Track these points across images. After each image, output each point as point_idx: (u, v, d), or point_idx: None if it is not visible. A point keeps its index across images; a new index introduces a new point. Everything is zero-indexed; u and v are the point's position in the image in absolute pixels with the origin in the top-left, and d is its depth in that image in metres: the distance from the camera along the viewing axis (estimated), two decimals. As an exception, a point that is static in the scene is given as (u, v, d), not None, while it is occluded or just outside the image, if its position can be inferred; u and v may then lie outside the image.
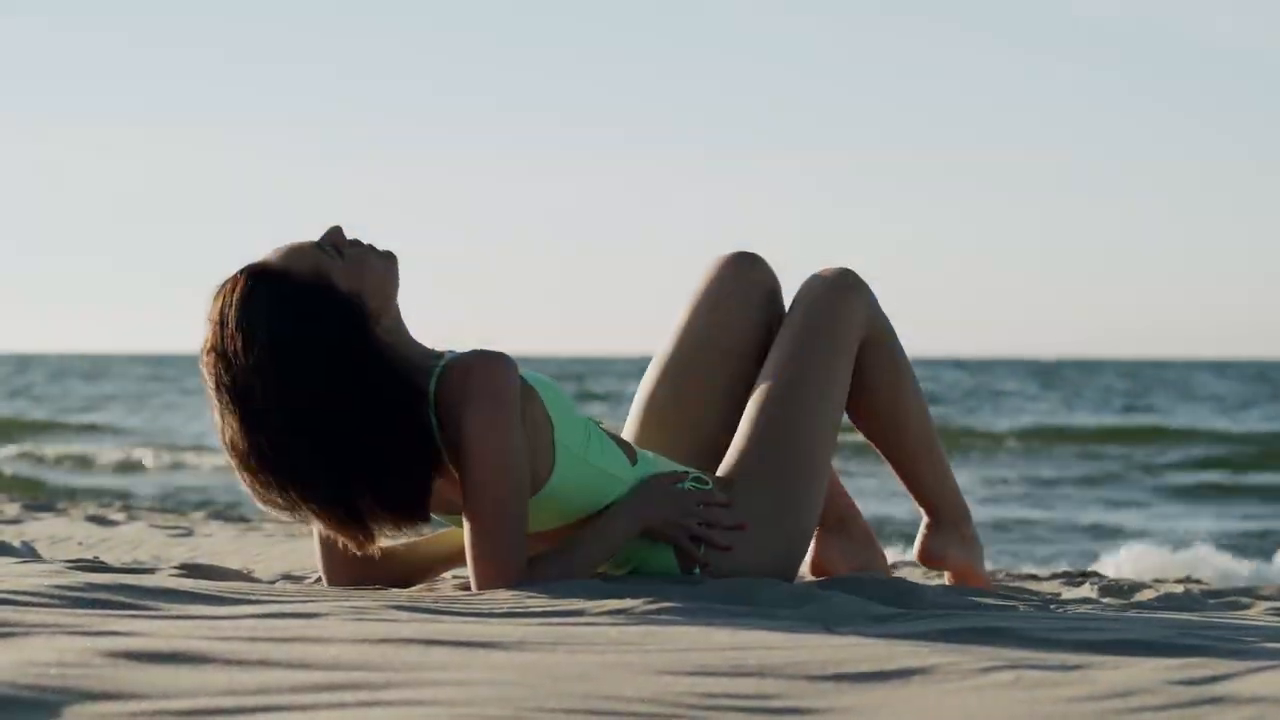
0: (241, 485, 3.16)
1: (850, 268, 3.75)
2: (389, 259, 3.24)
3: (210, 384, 3.11)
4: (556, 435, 3.29)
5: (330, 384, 3.08)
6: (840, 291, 3.70)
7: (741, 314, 3.73)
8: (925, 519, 3.91)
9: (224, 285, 3.14)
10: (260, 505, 3.16)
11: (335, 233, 3.21)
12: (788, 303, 3.77)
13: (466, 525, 3.18)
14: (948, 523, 3.88)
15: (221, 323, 3.11)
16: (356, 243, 3.23)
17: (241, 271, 3.15)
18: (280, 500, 3.12)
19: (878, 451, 3.89)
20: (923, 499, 3.88)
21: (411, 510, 3.16)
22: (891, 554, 5.78)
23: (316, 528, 3.37)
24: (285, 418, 3.07)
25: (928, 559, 3.89)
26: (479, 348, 3.21)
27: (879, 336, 3.74)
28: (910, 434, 3.81)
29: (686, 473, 3.49)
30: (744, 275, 3.75)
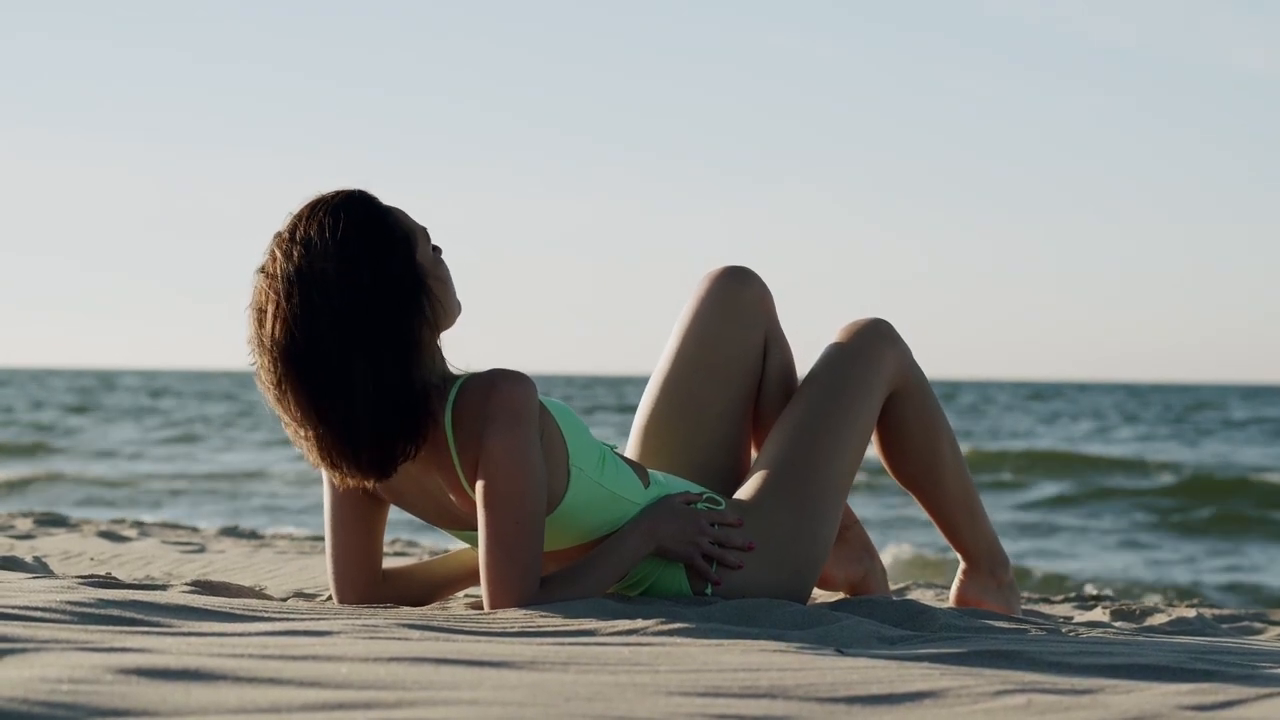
0: (258, 376, 3.18)
1: (885, 319, 3.78)
2: (458, 303, 3.28)
3: (270, 266, 3.15)
4: (571, 457, 3.30)
5: (369, 308, 3.11)
6: (872, 339, 3.74)
7: (734, 330, 3.73)
8: (962, 565, 3.94)
9: (326, 192, 3.21)
10: (267, 398, 3.19)
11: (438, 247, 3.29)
12: (810, 329, 3.80)
13: (482, 543, 3.18)
14: (984, 570, 3.92)
15: (310, 215, 3.17)
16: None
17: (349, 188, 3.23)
18: (287, 397, 3.14)
19: (914, 500, 3.92)
20: (959, 546, 3.91)
21: (377, 464, 3.17)
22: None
23: (327, 513, 3.41)
24: (327, 319, 3.10)
25: (964, 605, 3.90)
26: (498, 367, 3.22)
27: (912, 388, 3.77)
28: (945, 483, 3.84)
29: (701, 493, 3.51)
30: (735, 291, 3.75)
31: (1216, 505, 17.68)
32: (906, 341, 3.80)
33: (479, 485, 3.17)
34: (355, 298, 3.11)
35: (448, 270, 3.26)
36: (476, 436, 3.16)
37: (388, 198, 3.25)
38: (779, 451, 3.61)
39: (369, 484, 3.22)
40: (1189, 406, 54.66)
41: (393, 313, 3.13)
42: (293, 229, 3.17)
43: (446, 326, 3.25)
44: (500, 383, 3.17)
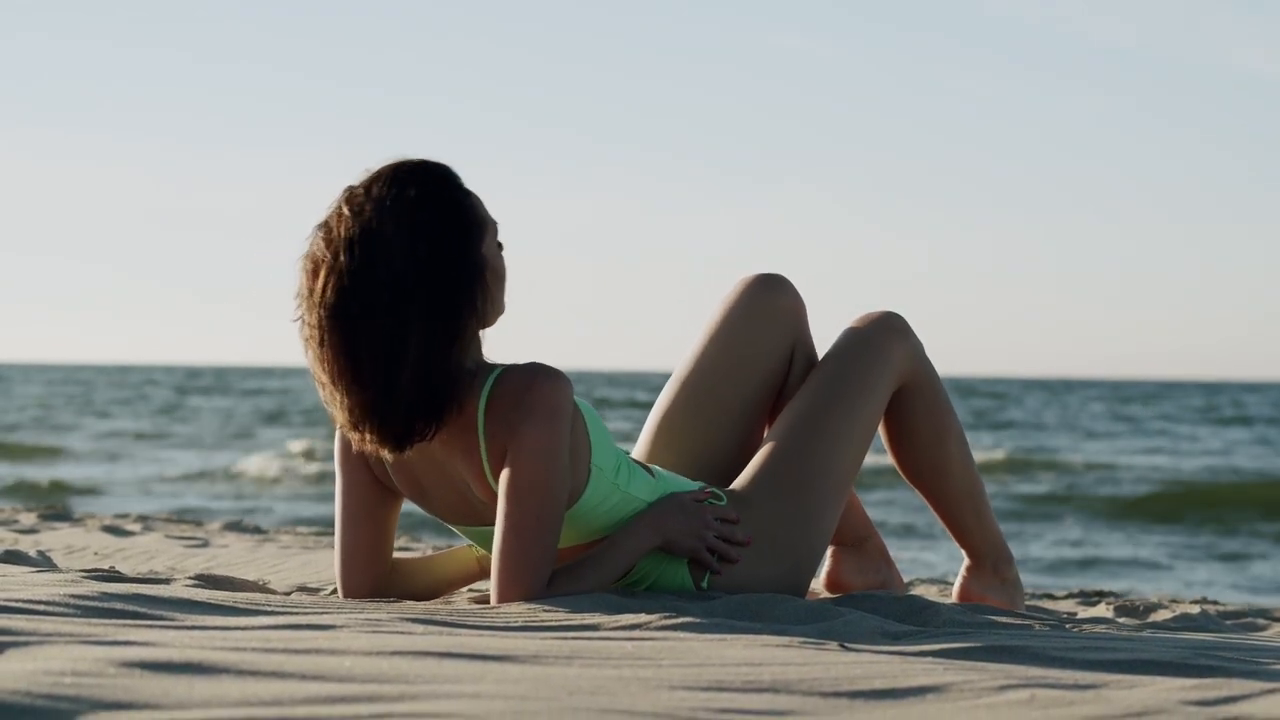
0: (300, 329, 3.17)
1: (898, 312, 3.77)
2: (504, 304, 3.26)
3: (334, 222, 3.14)
4: (593, 457, 3.31)
5: (424, 280, 3.10)
6: (882, 331, 3.73)
7: (762, 338, 3.73)
8: (966, 560, 3.92)
9: (412, 158, 3.20)
10: (306, 353, 3.17)
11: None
12: (828, 335, 3.80)
13: (499, 533, 3.18)
14: (988, 566, 3.91)
15: (390, 176, 3.16)
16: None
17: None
18: (326, 353, 3.13)
19: (920, 494, 3.91)
20: (964, 542, 3.90)
21: (398, 436, 3.16)
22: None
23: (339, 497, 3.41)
24: (383, 283, 3.09)
25: (967, 600, 3.89)
26: (537, 362, 3.22)
27: (921, 383, 3.76)
28: (952, 479, 3.83)
29: (703, 488, 3.51)
30: (767, 299, 3.75)
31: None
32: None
33: (504, 475, 3.17)
34: (414, 267, 3.09)
35: (505, 269, 3.25)
36: (509, 427, 3.16)
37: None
38: (781, 443, 3.61)
39: (384, 453, 3.20)
40: (1209, 405, 54.20)
41: (445, 292, 3.12)
42: (367, 186, 3.16)
43: (489, 324, 3.23)
44: (541, 378, 3.17)
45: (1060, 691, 2.30)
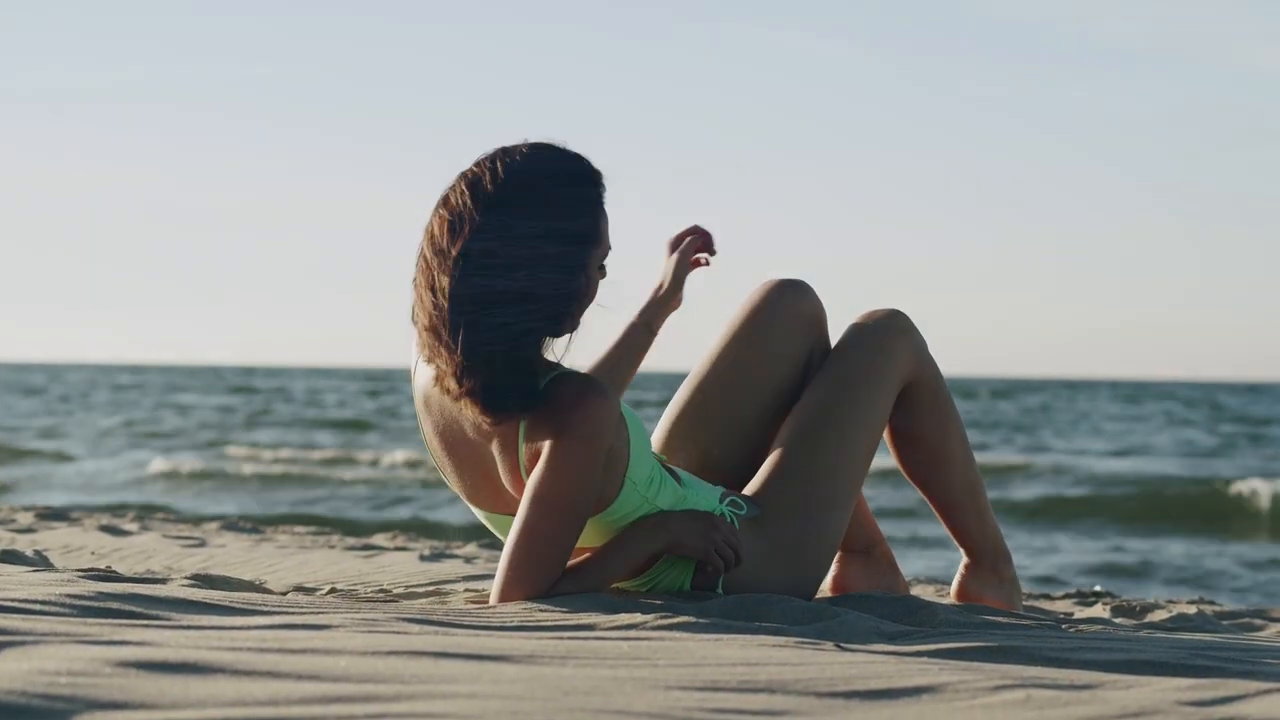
0: (424, 271, 3.17)
1: (901, 310, 3.76)
2: (579, 323, 3.26)
3: (483, 178, 3.15)
4: (629, 470, 3.31)
5: (557, 270, 3.13)
6: (887, 332, 3.71)
7: (781, 343, 3.71)
8: (965, 559, 3.92)
9: (570, 149, 3.23)
10: (420, 304, 3.17)
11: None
12: (833, 333, 3.78)
13: (513, 534, 3.19)
14: (986, 565, 3.90)
15: (552, 159, 3.19)
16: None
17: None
18: (431, 311, 3.14)
19: (921, 493, 3.91)
20: (963, 541, 3.89)
21: (498, 408, 3.15)
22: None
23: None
24: (523, 256, 3.11)
25: (965, 599, 3.89)
26: (592, 377, 3.24)
27: (926, 381, 3.75)
28: (954, 478, 3.82)
29: (725, 494, 3.51)
30: (790, 304, 3.73)
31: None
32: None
33: (533, 477, 3.17)
34: (552, 258, 3.12)
35: (596, 293, 3.25)
36: (550, 433, 3.16)
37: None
38: (790, 447, 3.59)
39: (477, 416, 3.18)
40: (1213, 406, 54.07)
41: (563, 295, 3.14)
42: (529, 157, 3.18)
43: (559, 334, 3.22)
44: (592, 395, 3.17)
45: (1056, 691, 2.30)
